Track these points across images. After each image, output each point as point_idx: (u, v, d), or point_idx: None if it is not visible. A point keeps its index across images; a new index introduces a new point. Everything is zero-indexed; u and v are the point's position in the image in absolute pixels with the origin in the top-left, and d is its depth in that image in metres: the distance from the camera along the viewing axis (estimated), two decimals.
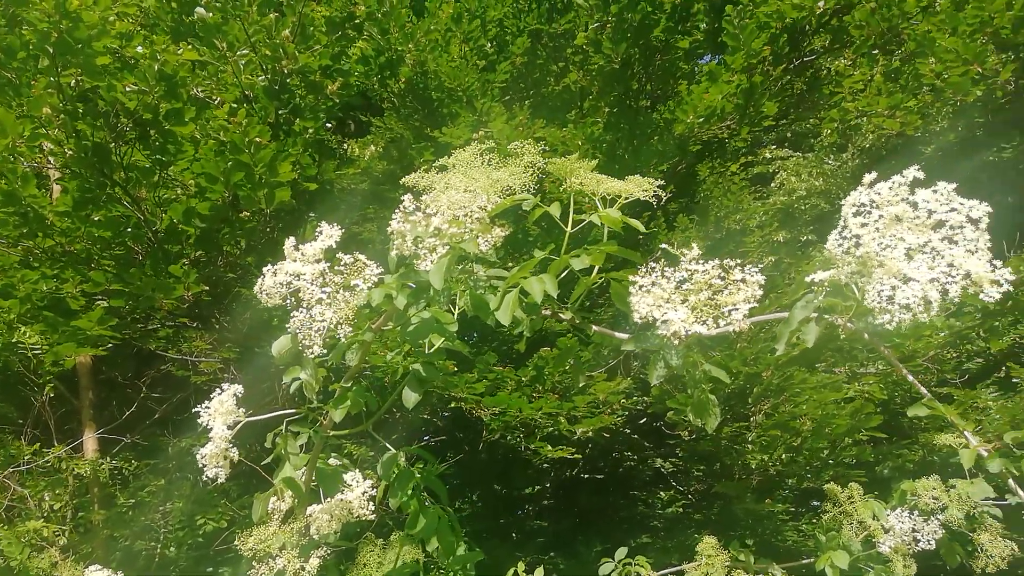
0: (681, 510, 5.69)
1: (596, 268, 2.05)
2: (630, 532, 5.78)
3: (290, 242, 2.06)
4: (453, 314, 2.25)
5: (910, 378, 1.66)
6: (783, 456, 3.22)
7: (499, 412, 3.48)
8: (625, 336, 1.90)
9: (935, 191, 1.64)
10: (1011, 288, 1.51)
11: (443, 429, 5.94)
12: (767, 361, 2.80)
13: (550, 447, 3.50)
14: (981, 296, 1.51)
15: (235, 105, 3.17)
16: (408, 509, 2.45)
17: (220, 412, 2.34)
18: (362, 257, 2.03)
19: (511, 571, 3.44)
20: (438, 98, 4.02)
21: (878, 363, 3.52)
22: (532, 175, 1.97)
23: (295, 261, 2.08)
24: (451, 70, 3.88)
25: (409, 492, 2.40)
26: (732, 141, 4.37)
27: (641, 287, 1.80)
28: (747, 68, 3.70)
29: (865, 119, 3.63)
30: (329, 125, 5.27)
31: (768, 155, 6.90)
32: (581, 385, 3.03)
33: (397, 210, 1.98)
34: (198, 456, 2.26)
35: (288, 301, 2.04)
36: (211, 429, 2.26)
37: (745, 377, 2.87)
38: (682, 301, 1.78)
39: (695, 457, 4.96)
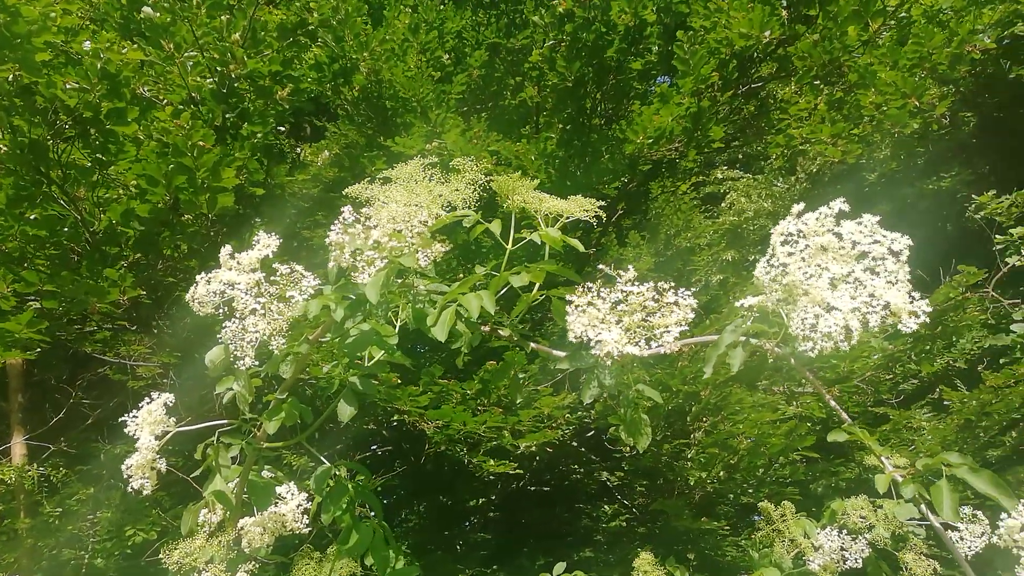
0: (625, 524, 5.73)
1: (537, 285, 2.07)
2: (574, 546, 5.79)
3: (226, 250, 2.02)
4: (395, 327, 2.24)
5: (832, 403, 1.70)
6: (721, 473, 3.28)
7: (443, 425, 3.46)
8: (562, 354, 1.92)
9: (859, 223, 1.69)
10: (927, 319, 1.57)
11: (390, 440, 5.88)
12: (706, 380, 2.85)
13: (492, 461, 3.50)
14: (900, 327, 1.57)
15: (182, 107, 3.10)
16: (342, 524, 2.41)
17: (148, 422, 2.28)
18: (299, 268, 2.01)
19: None
20: (392, 107, 4.00)
21: (817, 382, 3.61)
22: (474, 191, 1.97)
23: (230, 270, 2.04)
24: (406, 80, 3.87)
25: (343, 506, 2.37)
26: (682, 162, 4.45)
27: (577, 306, 1.82)
28: (697, 92, 3.78)
29: (809, 145, 3.75)
30: (282, 129, 5.20)
31: (720, 176, 7.05)
32: (519, 401, 3.04)
33: (337, 221, 1.96)
34: (123, 467, 2.20)
35: (221, 310, 2.00)
36: (138, 439, 2.21)
37: (684, 395, 2.92)
38: (616, 322, 1.80)
39: (638, 472, 5.01)
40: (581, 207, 2.13)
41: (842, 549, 2.84)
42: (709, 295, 5.20)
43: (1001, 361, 5.11)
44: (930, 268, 5.98)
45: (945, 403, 4.61)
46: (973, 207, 5.91)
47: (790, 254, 1.61)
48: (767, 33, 3.51)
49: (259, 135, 3.29)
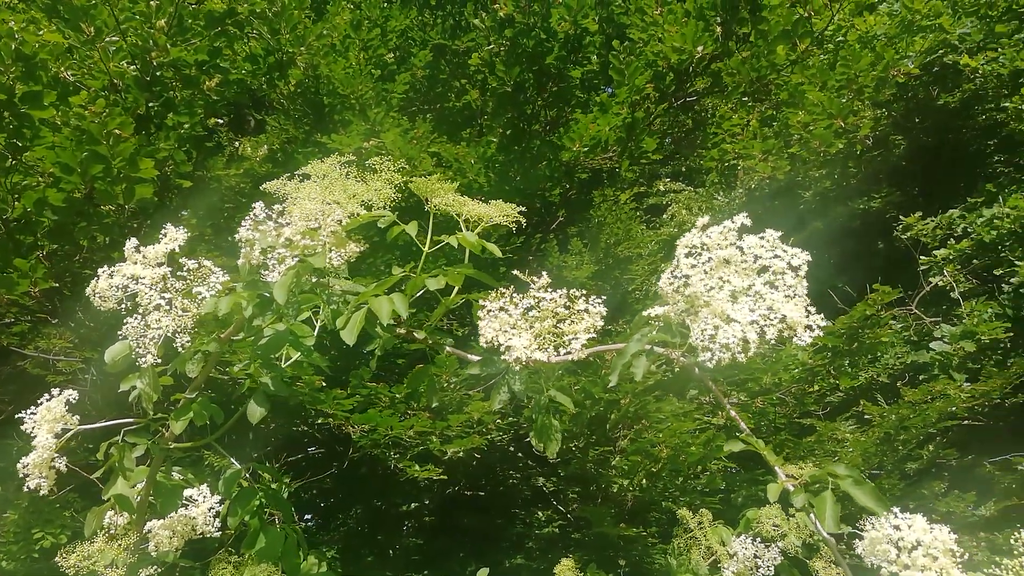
0: (558, 530, 5.74)
1: (456, 289, 2.05)
2: (507, 552, 5.78)
3: (131, 243, 1.95)
4: (315, 328, 2.19)
5: (732, 413, 1.73)
6: (643, 481, 3.32)
7: (369, 430, 3.41)
8: (475, 359, 1.90)
9: (762, 237, 1.72)
10: (820, 334, 1.60)
11: (323, 442, 5.78)
12: (626, 388, 2.88)
13: (418, 467, 3.46)
14: (795, 340, 1.60)
15: (104, 93, 2.98)
16: (251, 528, 2.35)
17: (47, 419, 2.19)
18: (208, 263, 1.95)
19: None
20: (330, 104, 3.94)
21: (740, 394, 3.69)
22: (394, 191, 1.94)
23: (135, 263, 1.97)
24: (345, 76, 3.82)
25: (251, 510, 2.30)
26: (622, 171, 4.50)
27: (489, 311, 1.81)
28: (631, 103, 3.83)
29: (741, 161, 3.83)
30: (221, 121, 5.07)
31: (662, 188, 7.16)
32: (435, 405, 3.02)
33: (248, 217, 1.92)
34: (19, 465, 2.11)
35: (124, 305, 1.93)
36: (35, 437, 2.12)
37: (606, 404, 2.94)
38: (527, 328, 1.80)
39: (571, 478, 5.03)
40: (502, 212, 2.13)
41: (756, 557, 2.89)
42: (646, 305, 5.26)
43: (920, 377, 5.31)
44: (859, 285, 6.18)
45: (867, 416, 4.76)
46: (901, 228, 6.13)
47: (693, 266, 1.63)
48: (700, 48, 3.58)
49: (186, 126, 3.20)
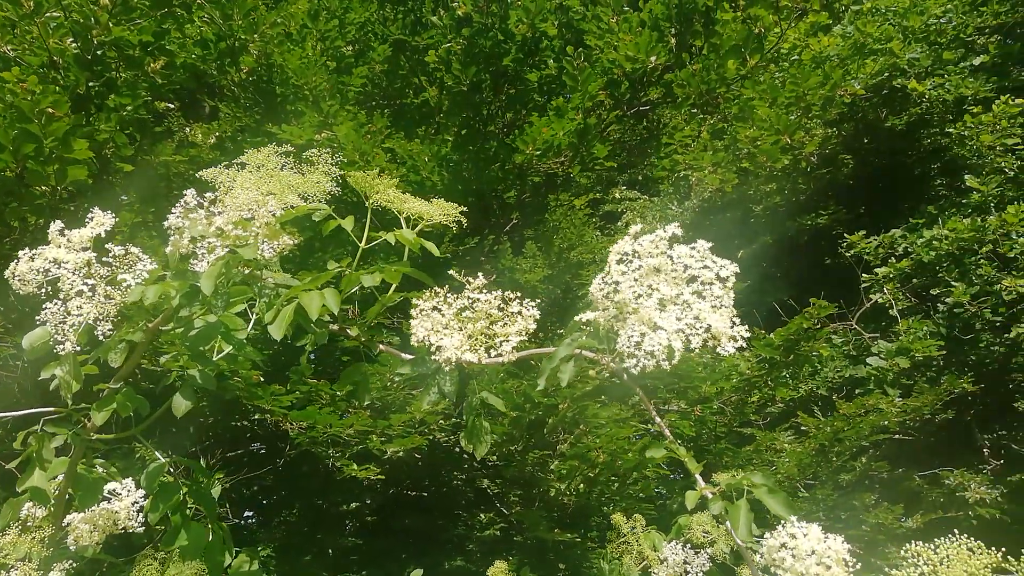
0: (500, 533, 5.74)
1: (393, 287, 2.03)
2: (447, 554, 5.75)
3: (56, 225, 1.89)
4: (249, 321, 2.15)
5: (658, 420, 1.75)
6: (581, 486, 3.34)
7: (307, 427, 3.36)
8: (408, 357, 1.89)
9: (693, 247, 1.74)
10: (744, 344, 1.63)
11: (264, 438, 5.67)
12: (564, 393, 2.90)
13: (356, 466, 3.42)
14: (719, 349, 1.62)
15: (43, 70, 2.88)
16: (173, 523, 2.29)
17: None
18: (135, 250, 1.90)
19: None
20: (282, 93, 3.87)
21: (680, 402, 3.75)
22: (328, 184, 1.92)
23: (59, 247, 1.91)
24: (299, 67, 3.76)
25: (174, 505, 2.24)
26: (577, 177, 4.53)
27: (421, 311, 1.80)
28: (584, 109, 3.86)
29: (691, 172, 3.89)
30: (172, 106, 4.94)
31: (618, 196, 7.23)
32: (366, 403, 2.99)
33: (178, 204, 1.87)
34: None
35: (45, 290, 1.87)
36: None
37: (545, 408, 2.96)
38: (459, 328, 1.79)
39: (514, 481, 5.03)
40: (443, 210, 2.12)
41: (685, 563, 2.92)
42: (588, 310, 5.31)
43: (857, 391, 5.45)
44: (804, 299, 6.33)
45: (803, 428, 4.87)
46: (845, 245, 6.30)
47: (623, 273, 1.64)
48: (653, 58, 3.62)
49: (128, 108, 3.10)
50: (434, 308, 1.77)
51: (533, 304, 1.81)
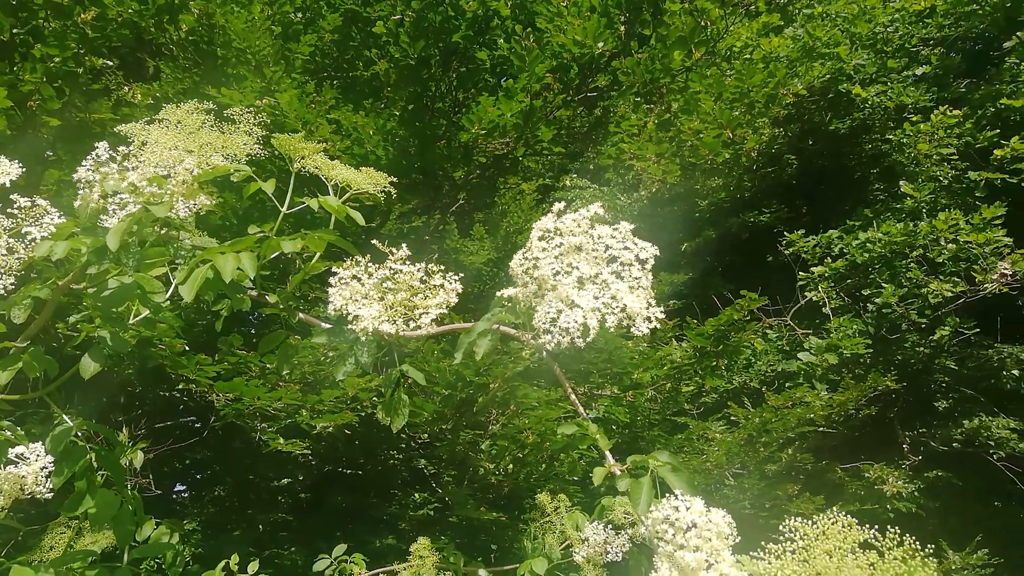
0: (433, 513, 5.73)
1: (317, 255, 1.99)
2: (379, 532, 5.73)
3: None
4: (170, 285, 2.08)
5: (572, 396, 1.76)
6: (510, 466, 3.36)
7: (234, 399, 3.29)
8: (327, 327, 1.85)
9: (615, 229, 1.75)
10: (658, 325, 1.64)
11: (195, 410, 5.54)
12: (496, 373, 2.90)
13: (283, 440, 3.37)
14: (633, 329, 1.64)
15: None
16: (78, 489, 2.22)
17: None
18: (43, 202, 1.81)
19: (222, 563, 3.26)
20: (224, 56, 3.75)
21: (614, 387, 3.79)
22: (252, 145, 1.86)
23: None
24: (243, 29, 3.65)
25: (80, 469, 2.17)
26: (525, 160, 4.52)
27: (341, 279, 1.77)
28: (530, 91, 3.84)
29: (635, 161, 3.92)
30: (110, 63, 4.76)
31: (568, 183, 7.26)
32: (284, 372, 2.94)
33: (89, 157, 1.79)
34: None
35: None
36: None
37: (476, 387, 2.96)
38: (379, 299, 1.77)
39: (450, 461, 5.03)
40: (372, 180, 2.08)
41: (606, 543, 2.96)
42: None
43: (787, 385, 5.61)
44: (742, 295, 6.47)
45: (733, 418, 4.99)
46: (785, 243, 6.45)
47: (544, 249, 1.64)
48: (601, 44, 3.62)
49: (56, 59, 2.95)
50: (354, 277, 1.75)
51: (456, 278, 1.80)
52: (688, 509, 1.06)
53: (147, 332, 2.97)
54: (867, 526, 1.06)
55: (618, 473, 1.67)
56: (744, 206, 7.14)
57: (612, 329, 1.58)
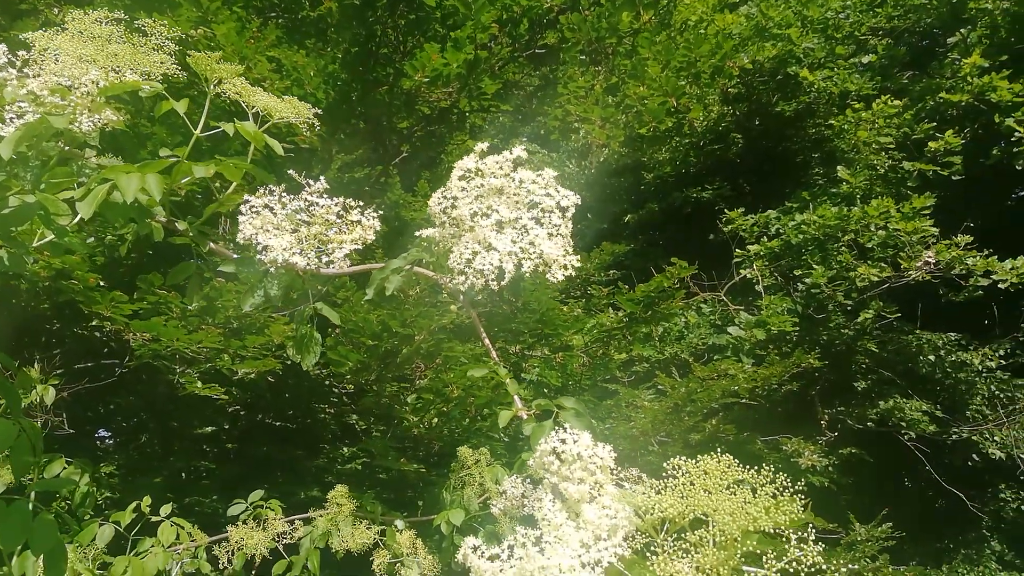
0: (361, 467, 5.72)
1: (234, 185, 1.91)
2: (304, 484, 5.68)
3: None
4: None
5: (486, 343, 1.75)
6: (435, 420, 3.36)
7: (151, 339, 3.17)
8: (235, 257, 1.79)
9: (539, 175, 1.72)
10: (574, 273, 1.63)
11: (117, 352, 5.35)
12: (421, 325, 2.87)
13: (200, 383, 3.28)
14: (548, 275, 1.62)
15: None
16: None
17: None
18: None
19: (132, 504, 3.18)
20: None
21: (545, 348, 3.81)
22: (168, 65, 1.76)
23: None
24: None
25: None
26: (471, 116, 4.45)
27: (252, 207, 1.70)
28: (482, 44, 3.76)
29: (580, 123, 3.90)
30: None
31: (518, 147, 7.19)
32: (193, 306, 2.86)
33: None
34: None
35: None
36: None
37: (401, 338, 2.92)
38: (292, 231, 1.71)
39: (380, 417, 5.00)
40: (294, 109, 2.00)
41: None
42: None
43: (716, 358, 5.74)
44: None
45: (660, 387, 5.09)
46: (724, 220, 6.56)
47: (463, 189, 1.61)
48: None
49: None
50: (266, 206, 1.68)
51: (374, 215, 1.75)
52: (575, 442, 1.06)
53: (55, 261, 2.83)
54: (747, 468, 1.08)
55: (524, 417, 1.67)
56: (689, 181, 7.22)
57: (528, 274, 1.57)
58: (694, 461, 1.06)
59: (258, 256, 1.62)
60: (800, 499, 0.94)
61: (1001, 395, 6.56)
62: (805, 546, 0.95)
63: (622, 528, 0.98)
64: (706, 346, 6.33)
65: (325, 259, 1.64)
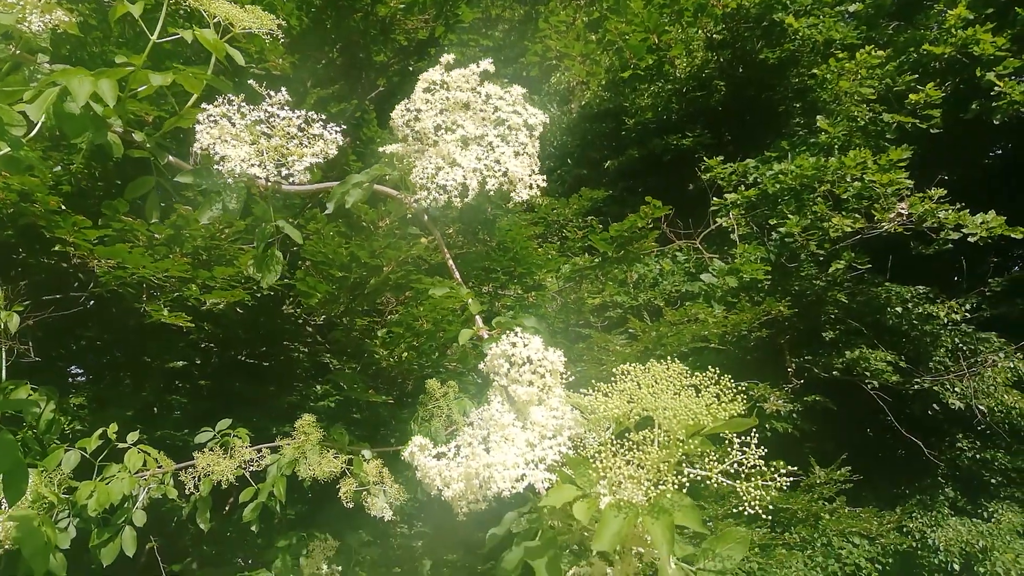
0: (334, 405, 5.74)
1: (194, 98, 1.85)
2: (276, 420, 5.71)
3: None
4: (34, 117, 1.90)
5: (450, 263, 1.73)
6: (405, 354, 3.36)
7: (115, 265, 3.11)
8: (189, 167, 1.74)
9: (507, 91, 1.68)
10: (539, 193, 1.62)
11: (85, 284, 5.26)
12: (390, 256, 2.85)
13: (167, 312, 3.24)
14: (513, 194, 1.60)
15: None
16: None
17: None
18: None
19: (99, 431, 3.17)
20: None
21: (517, 288, 3.81)
22: None
23: None
24: None
25: None
26: (449, 50, 4.32)
27: (209, 116, 1.65)
28: None
29: (560, 59, 3.83)
30: None
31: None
32: (153, 221, 2.81)
33: None
34: None
35: None
36: None
37: (370, 269, 2.90)
38: (251, 142, 1.67)
39: (353, 356, 5.00)
40: (257, 19, 1.93)
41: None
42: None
43: (688, 305, 5.79)
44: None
45: (631, 331, 5.14)
46: (703, 168, 6.54)
47: (427, 102, 1.57)
48: None
49: None
50: (224, 116, 1.64)
51: (338, 129, 1.71)
52: (526, 346, 1.05)
53: (14, 181, 2.76)
54: (675, 362, 1.09)
55: (485, 337, 1.67)
56: (670, 128, 7.16)
57: (492, 192, 1.55)
58: (644, 367, 1.06)
59: (216, 167, 1.58)
60: (742, 399, 0.95)
61: (964, 348, 6.73)
62: (747, 449, 0.96)
63: (568, 429, 0.99)
64: (679, 293, 6.38)
65: (285, 172, 1.60)
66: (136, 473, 3.07)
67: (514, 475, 0.92)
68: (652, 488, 0.87)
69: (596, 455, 0.91)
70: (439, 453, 1.04)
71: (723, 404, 0.90)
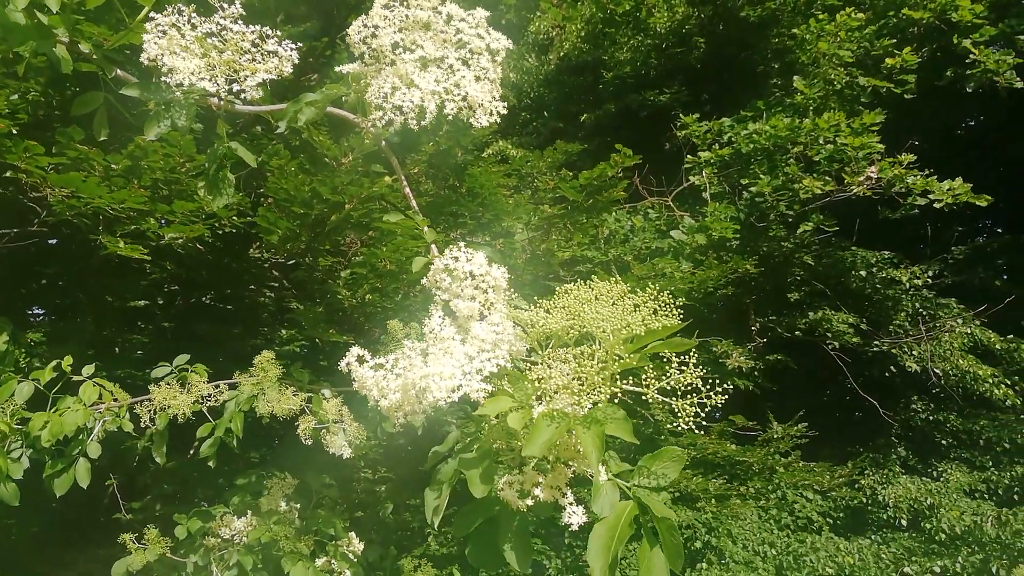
0: (299, 350, 5.72)
1: (147, 9, 1.77)
2: (239, 363, 5.66)
3: None
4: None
5: (406, 191, 1.70)
6: (368, 296, 3.33)
7: (70, 194, 3.02)
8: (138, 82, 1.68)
9: (470, 13, 1.63)
10: (498, 120, 1.58)
11: (44, 222, 5.12)
12: (351, 192, 2.80)
13: (123, 243, 3.16)
14: (471, 120, 1.57)
15: None
16: None
17: None
18: None
19: (53, 362, 3.12)
20: None
21: (485, 236, 3.78)
22: None
23: None
24: None
25: None
26: None
27: (158, 25, 1.58)
28: None
29: (537, 12, 3.75)
30: None
31: None
32: (102, 139, 2.73)
33: None
34: None
35: None
36: None
37: (331, 206, 2.85)
38: (202, 56, 1.60)
39: (320, 298, 4.95)
40: None
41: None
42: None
43: (655, 260, 5.81)
44: (635, 170, 6.52)
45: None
46: (679, 125, 6.50)
47: (386, 18, 1.52)
48: None
49: None
50: (174, 26, 1.57)
51: (293, 47, 1.65)
52: (469, 261, 1.04)
53: None
54: (614, 280, 1.07)
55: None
56: (648, 84, 7.09)
57: (451, 117, 1.51)
58: (586, 284, 1.05)
59: (164, 79, 1.52)
60: (679, 313, 0.94)
61: (924, 312, 6.88)
62: (686, 368, 0.96)
63: (508, 343, 0.98)
64: (649, 250, 6.40)
65: (237, 87, 1.54)
66: (91, 406, 3.04)
67: (450, 385, 0.91)
68: (586, 399, 0.86)
69: (533, 367, 0.91)
70: (377, 364, 1.02)
71: (658, 317, 0.90)
